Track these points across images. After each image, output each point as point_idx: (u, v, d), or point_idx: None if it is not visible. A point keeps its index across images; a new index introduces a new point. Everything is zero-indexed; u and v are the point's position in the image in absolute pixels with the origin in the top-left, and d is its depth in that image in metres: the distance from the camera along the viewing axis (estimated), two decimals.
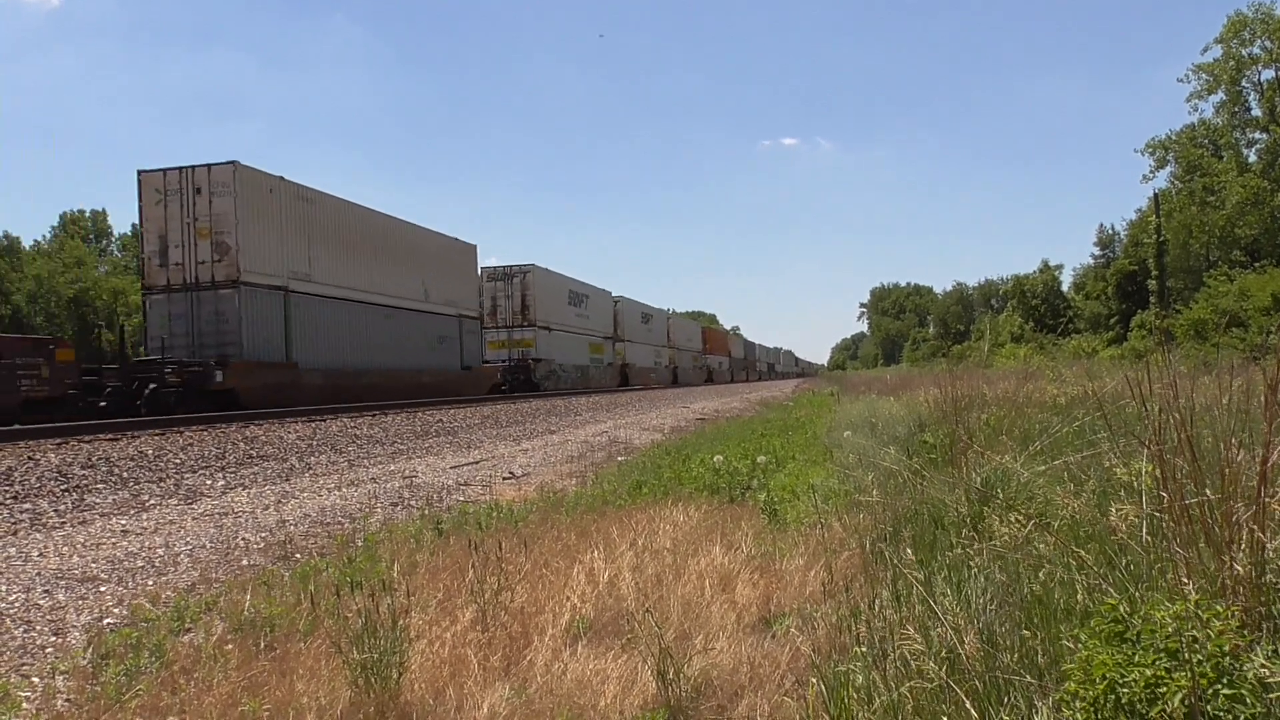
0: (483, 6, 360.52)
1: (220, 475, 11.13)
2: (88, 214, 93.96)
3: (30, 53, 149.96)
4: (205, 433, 16.16)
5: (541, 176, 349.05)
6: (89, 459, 11.72)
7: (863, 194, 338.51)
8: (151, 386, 20.85)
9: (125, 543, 7.04)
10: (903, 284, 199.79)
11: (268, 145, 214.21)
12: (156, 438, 14.92)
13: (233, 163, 23.71)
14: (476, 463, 12.63)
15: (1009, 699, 2.70)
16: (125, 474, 10.80)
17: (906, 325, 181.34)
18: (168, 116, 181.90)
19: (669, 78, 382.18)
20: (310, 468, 12.12)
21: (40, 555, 6.59)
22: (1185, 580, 2.80)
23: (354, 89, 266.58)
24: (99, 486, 9.91)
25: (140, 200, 24.24)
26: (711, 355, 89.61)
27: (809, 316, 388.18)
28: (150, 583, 5.74)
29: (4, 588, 5.58)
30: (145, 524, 7.87)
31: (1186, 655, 2.29)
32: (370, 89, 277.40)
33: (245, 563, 6.32)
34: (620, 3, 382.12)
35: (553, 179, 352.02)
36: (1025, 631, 3.08)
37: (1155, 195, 58.65)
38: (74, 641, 4.55)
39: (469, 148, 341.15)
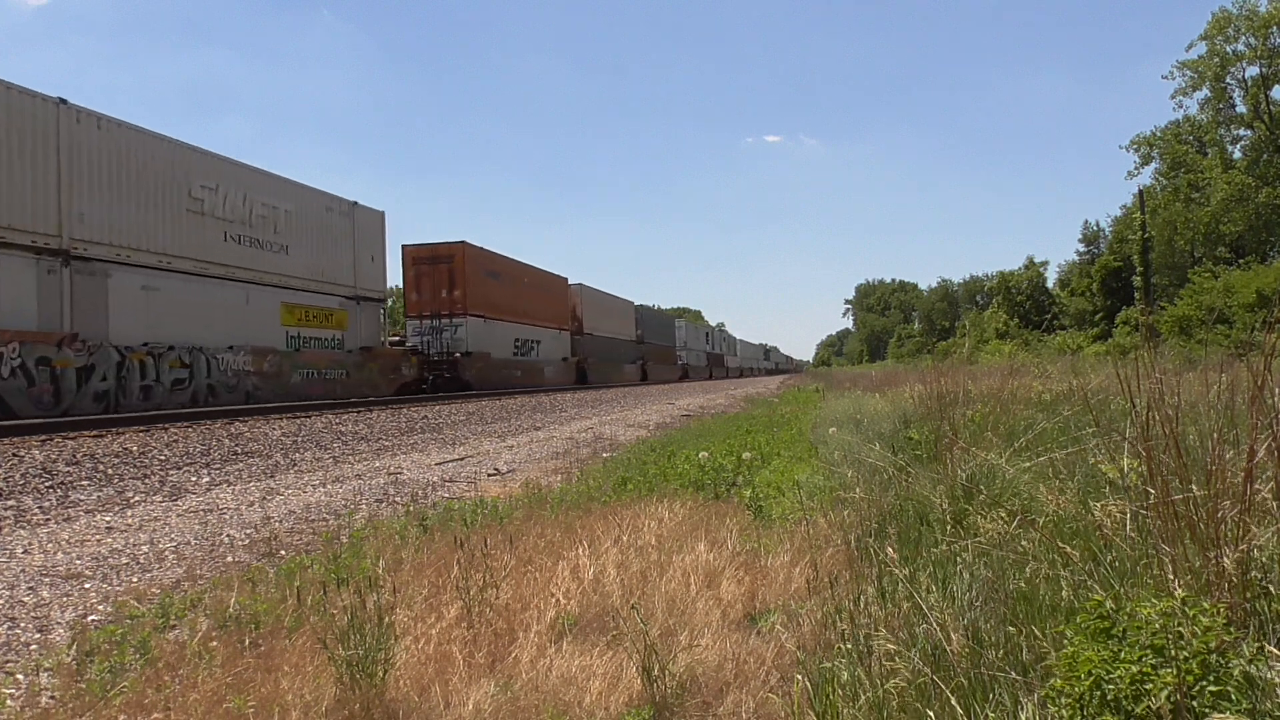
0: (469, 3, 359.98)
1: (205, 472, 11.09)
2: None
3: (18, 49, 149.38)
4: (190, 429, 16.12)
5: (528, 173, 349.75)
6: (74, 455, 11.67)
7: (847, 191, 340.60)
8: None
9: (110, 539, 7.00)
10: (888, 280, 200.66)
11: (256, 141, 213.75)
12: (141, 434, 14.87)
13: None
14: (461, 459, 12.61)
15: (994, 695, 2.71)
16: (110, 470, 10.75)
17: (892, 321, 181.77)
18: (156, 114, 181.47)
19: (653, 74, 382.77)
20: (295, 464, 12.08)
21: (25, 552, 6.55)
22: (1171, 577, 2.81)
23: (342, 85, 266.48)
24: (84, 483, 9.87)
25: None
26: (497, 320, 40.83)
27: (795, 313, 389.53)
28: (135, 579, 5.71)
29: None
30: (130, 521, 7.84)
31: (1173, 652, 2.30)
32: (358, 85, 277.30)
33: (230, 559, 6.29)
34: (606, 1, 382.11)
35: (539, 175, 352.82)
36: (1010, 628, 3.08)
37: (1140, 192, 58.89)
38: (58, 638, 4.53)
39: (456, 143, 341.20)
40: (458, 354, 36.91)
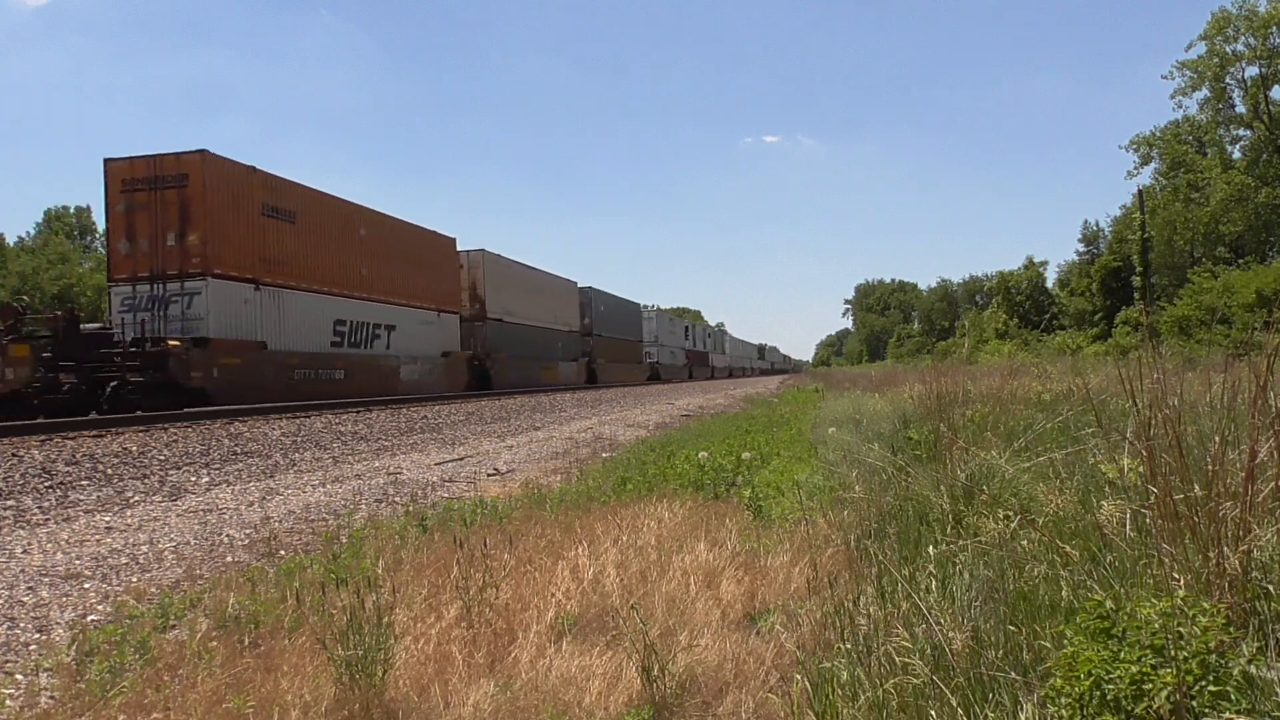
0: (469, 3, 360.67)
1: (205, 472, 11.08)
2: (72, 210, 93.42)
3: (18, 50, 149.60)
4: (189, 429, 16.11)
5: (528, 173, 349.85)
6: (73, 455, 11.66)
7: (846, 191, 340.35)
8: None
9: (109, 539, 7.00)
10: (888, 280, 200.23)
11: (255, 141, 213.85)
12: (140, 434, 14.86)
13: None
14: (461, 459, 12.60)
15: (994, 695, 2.70)
16: (109, 470, 10.74)
17: (891, 321, 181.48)
18: (154, 113, 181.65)
19: (653, 74, 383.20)
20: (295, 464, 12.08)
21: (24, 552, 6.55)
22: (1174, 577, 2.81)
23: (342, 85, 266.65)
24: (83, 483, 9.86)
25: None
26: (290, 290, 25.60)
27: (794, 313, 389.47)
28: (134, 579, 5.70)
29: None
30: (129, 521, 7.83)
31: (1173, 652, 2.29)
32: (358, 85, 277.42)
33: (230, 559, 6.28)
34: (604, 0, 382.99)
35: (537, 174, 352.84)
36: (1011, 628, 3.08)
37: (1140, 192, 58.83)
38: (58, 638, 4.52)
39: (455, 142, 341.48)
40: (173, 341, 21.30)
